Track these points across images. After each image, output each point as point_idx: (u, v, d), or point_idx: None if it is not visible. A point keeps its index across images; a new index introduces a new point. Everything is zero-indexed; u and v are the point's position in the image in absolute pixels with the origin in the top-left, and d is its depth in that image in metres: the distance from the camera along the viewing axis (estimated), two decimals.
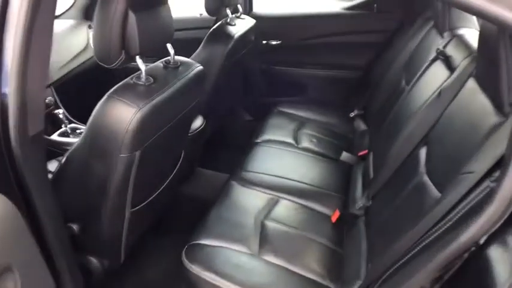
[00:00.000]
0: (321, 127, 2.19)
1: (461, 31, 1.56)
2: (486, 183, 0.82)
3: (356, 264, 1.32)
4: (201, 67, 1.33)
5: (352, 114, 2.33)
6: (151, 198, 1.34)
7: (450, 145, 1.12)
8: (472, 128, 1.04)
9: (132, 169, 1.09)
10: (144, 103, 1.02)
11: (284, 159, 1.84)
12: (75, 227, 1.25)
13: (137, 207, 1.27)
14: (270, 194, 1.59)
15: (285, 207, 1.55)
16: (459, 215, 0.85)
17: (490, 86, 1.01)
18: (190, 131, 1.64)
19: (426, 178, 1.16)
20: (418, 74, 1.63)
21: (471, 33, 1.53)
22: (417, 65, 1.75)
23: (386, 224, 1.27)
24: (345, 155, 1.95)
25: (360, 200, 1.58)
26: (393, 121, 1.67)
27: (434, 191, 1.07)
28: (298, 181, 1.69)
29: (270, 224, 1.44)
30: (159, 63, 1.24)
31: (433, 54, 1.60)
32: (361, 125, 2.24)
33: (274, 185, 1.64)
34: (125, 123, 1.00)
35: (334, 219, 1.53)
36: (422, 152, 1.29)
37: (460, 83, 1.23)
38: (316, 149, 1.98)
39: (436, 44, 1.66)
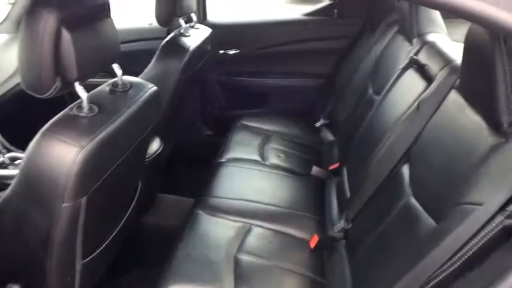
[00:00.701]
0: (287, 140, 2.07)
1: (431, 37, 1.48)
2: (498, 218, 0.72)
3: None
4: (154, 88, 1.16)
5: (318, 124, 2.24)
6: (106, 243, 1.16)
7: (438, 165, 1.02)
8: (463, 148, 0.94)
9: (78, 218, 0.91)
10: (87, 140, 0.84)
11: (252, 180, 1.70)
12: (16, 287, 1.04)
13: (90, 257, 1.08)
14: (240, 221, 1.44)
15: (258, 236, 1.40)
16: (468, 254, 0.74)
17: (481, 102, 0.92)
18: (147, 157, 1.47)
19: (414, 201, 1.06)
20: (389, 83, 1.54)
21: (442, 39, 1.46)
22: (385, 73, 1.67)
23: (372, 251, 1.15)
24: (315, 170, 1.84)
25: (337, 222, 1.47)
26: (367, 133, 1.57)
27: (427, 220, 0.96)
28: (270, 204, 1.56)
29: (244, 258, 1.29)
30: (105, 87, 1.06)
31: (402, 62, 1.52)
32: (328, 136, 2.15)
33: (244, 211, 1.49)
34: (65, 167, 0.82)
35: (312, 244, 1.40)
36: (405, 171, 1.19)
37: (441, 96, 1.14)
38: (284, 164, 1.85)
39: (405, 50, 1.58)
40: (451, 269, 0.77)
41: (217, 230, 1.39)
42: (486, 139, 0.87)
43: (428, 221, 0.96)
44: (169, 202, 1.91)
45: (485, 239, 0.73)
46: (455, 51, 1.30)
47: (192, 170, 1.98)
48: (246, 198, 1.56)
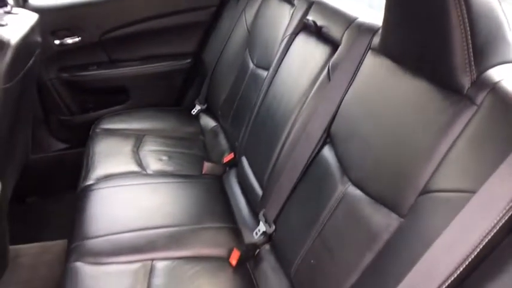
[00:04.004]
0: (164, 137, 1.74)
1: None
2: (505, 208, 0.55)
3: None
4: None
5: (194, 111, 1.95)
6: None
7: (377, 144, 0.84)
8: (409, 121, 0.77)
9: None
10: None
11: (136, 199, 1.34)
12: None
13: None
14: (137, 260, 1.10)
15: (166, 272, 1.09)
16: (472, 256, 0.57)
17: (424, 62, 0.75)
18: None
19: (356, 191, 0.87)
20: (277, 54, 1.33)
21: None
22: (267, 42, 1.47)
23: (314, 256, 0.94)
24: (208, 166, 1.56)
25: (253, 225, 1.24)
26: (263, 115, 1.34)
27: (383, 212, 0.78)
28: (168, 225, 1.23)
29: None
30: None
31: (288, 26, 1.32)
32: (210, 122, 1.88)
33: (138, 246, 1.15)
34: None
35: (234, 261, 1.14)
36: (327, 154, 1.01)
37: (355, 60, 0.96)
38: (170, 168, 1.54)
39: (286, 13, 1.38)
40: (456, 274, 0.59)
41: (110, 284, 1.02)
42: (442, 106, 0.71)
43: (386, 213, 0.78)
44: (30, 255, 1.41)
45: (490, 235, 0.57)
46: (351, 7, 1.14)
47: (51, 202, 1.52)
48: (136, 227, 1.21)
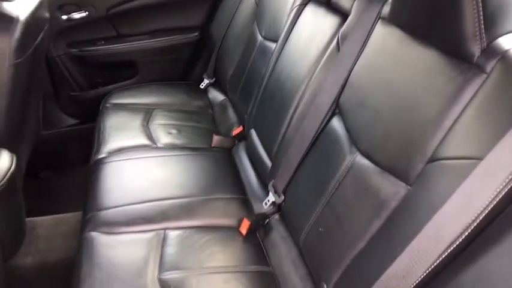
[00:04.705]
0: (173, 111, 1.76)
1: None
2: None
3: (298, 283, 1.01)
4: None
5: (202, 85, 1.96)
6: None
7: (386, 115, 0.85)
8: (418, 90, 0.77)
9: None
10: None
11: (148, 172, 1.37)
12: None
13: None
14: (150, 230, 1.14)
15: (178, 242, 1.12)
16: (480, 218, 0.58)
17: (434, 31, 0.75)
18: None
19: (364, 161, 0.88)
20: (285, 26, 1.32)
21: None
22: (275, 14, 1.45)
23: (323, 224, 0.96)
24: (217, 139, 1.58)
25: (263, 196, 1.26)
26: (271, 88, 1.35)
27: (391, 181, 0.79)
28: (180, 196, 1.26)
29: (171, 278, 1.01)
30: None
31: None
32: (218, 95, 1.89)
33: (151, 216, 1.18)
34: None
35: (244, 231, 1.17)
36: (336, 125, 1.01)
37: (365, 31, 0.95)
38: (180, 142, 1.56)
39: None
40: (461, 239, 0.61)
41: (125, 252, 1.06)
42: (452, 75, 0.71)
43: (394, 182, 0.79)
44: (46, 226, 1.45)
45: (496, 201, 0.58)
46: None
47: (63, 176, 1.55)
48: (148, 198, 1.24)
